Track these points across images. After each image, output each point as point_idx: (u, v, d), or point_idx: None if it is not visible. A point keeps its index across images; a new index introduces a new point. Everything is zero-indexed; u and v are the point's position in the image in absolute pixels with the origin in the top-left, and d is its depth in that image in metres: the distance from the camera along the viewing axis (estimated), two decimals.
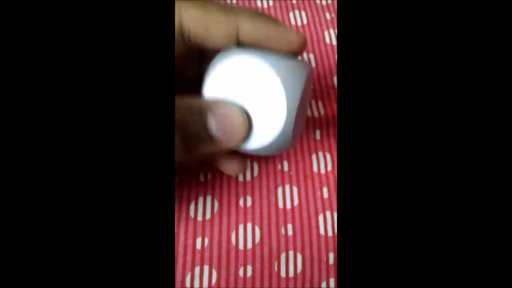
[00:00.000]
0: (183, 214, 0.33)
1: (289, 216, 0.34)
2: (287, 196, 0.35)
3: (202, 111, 0.16)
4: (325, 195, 0.35)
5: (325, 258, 0.33)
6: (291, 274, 0.32)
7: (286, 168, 0.36)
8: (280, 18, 0.43)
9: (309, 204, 0.35)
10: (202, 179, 0.34)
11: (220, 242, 0.32)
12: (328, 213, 0.34)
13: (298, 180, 0.35)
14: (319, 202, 0.35)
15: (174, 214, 0.33)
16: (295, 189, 0.35)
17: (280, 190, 0.35)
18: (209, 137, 0.16)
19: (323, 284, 0.32)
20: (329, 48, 0.42)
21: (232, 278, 0.31)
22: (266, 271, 0.32)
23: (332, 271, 0.33)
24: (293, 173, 0.36)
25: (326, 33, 0.43)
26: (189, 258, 0.31)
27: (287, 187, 0.35)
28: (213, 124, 0.16)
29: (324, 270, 0.33)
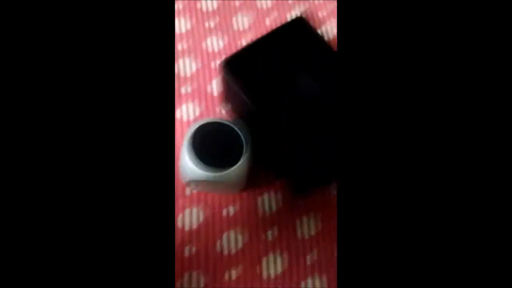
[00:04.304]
0: None
1: (269, 222, 0.37)
2: (266, 203, 0.38)
3: None
4: (302, 201, 0.39)
5: (304, 259, 0.36)
6: (273, 275, 0.36)
7: (265, 178, 0.39)
8: (278, 17, 0.47)
9: (288, 209, 0.38)
10: (188, 193, 0.38)
11: (206, 249, 0.36)
12: (304, 218, 0.38)
13: (278, 188, 0.39)
14: (297, 208, 0.38)
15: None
16: (275, 195, 0.38)
17: (260, 199, 0.38)
18: None
19: (302, 284, 0.36)
20: None
21: (218, 281, 0.35)
22: (249, 274, 0.35)
23: (309, 271, 0.36)
24: (274, 181, 0.39)
25: (318, 31, 0.46)
26: (178, 266, 0.35)
27: (266, 195, 0.38)
28: None
29: (303, 271, 0.36)
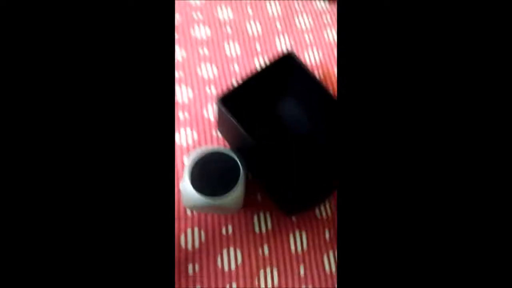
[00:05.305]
0: (175, 245, 0.39)
1: (265, 238, 0.41)
2: (262, 221, 0.41)
3: None
4: (293, 218, 0.42)
5: (296, 271, 0.40)
6: (270, 287, 0.39)
7: (259, 198, 0.42)
8: (268, 42, 0.50)
9: (281, 227, 0.41)
10: (189, 213, 0.41)
11: (208, 266, 0.39)
12: (297, 233, 0.41)
13: (271, 207, 0.42)
14: (289, 225, 0.42)
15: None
16: (267, 214, 0.42)
17: (255, 217, 0.41)
18: None
19: None
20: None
21: None
22: (249, 287, 0.39)
23: (303, 281, 0.40)
24: (267, 201, 0.42)
25: (325, 33, 0.51)
26: (183, 284, 0.38)
27: (261, 213, 0.42)
28: None
29: (297, 281, 0.40)
